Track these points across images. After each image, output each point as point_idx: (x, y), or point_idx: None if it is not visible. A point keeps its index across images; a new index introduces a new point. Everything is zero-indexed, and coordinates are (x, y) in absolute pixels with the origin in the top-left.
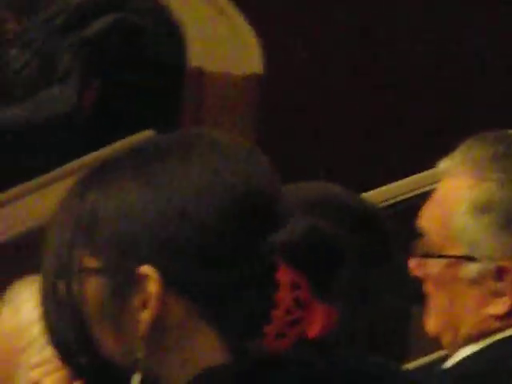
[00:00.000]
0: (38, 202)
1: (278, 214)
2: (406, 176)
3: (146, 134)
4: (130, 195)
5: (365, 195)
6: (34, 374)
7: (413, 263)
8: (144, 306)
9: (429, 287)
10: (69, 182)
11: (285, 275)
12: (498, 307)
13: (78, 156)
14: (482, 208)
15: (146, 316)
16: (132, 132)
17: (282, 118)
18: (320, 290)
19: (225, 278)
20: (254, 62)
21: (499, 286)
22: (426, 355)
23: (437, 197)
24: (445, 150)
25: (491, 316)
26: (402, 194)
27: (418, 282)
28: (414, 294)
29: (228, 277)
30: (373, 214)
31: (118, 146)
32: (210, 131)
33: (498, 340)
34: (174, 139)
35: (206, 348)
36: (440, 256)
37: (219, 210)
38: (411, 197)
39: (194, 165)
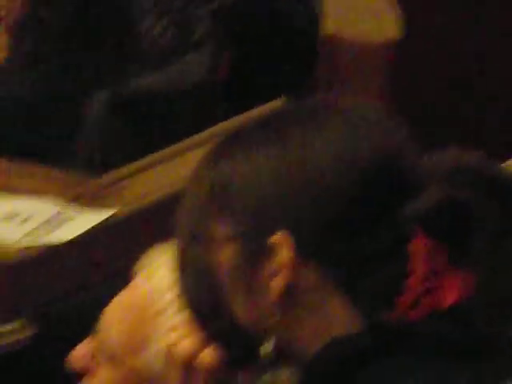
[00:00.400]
0: (172, 170)
1: (413, 181)
2: None
3: (280, 102)
4: (263, 163)
5: (503, 165)
6: (169, 338)
7: None
8: (277, 272)
9: None
10: (203, 151)
11: (420, 244)
12: None
13: (212, 125)
14: None
15: (278, 283)
16: (265, 100)
17: (418, 84)
18: (456, 257)
19: (359, 246)
20: (390, 27)
21: None
22: None
23: None
24: None
25: None
26: None
27: None
28: None
29: (362, 245)
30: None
31: (252, 114)
32: (345, 98)
33: None
34: (307, 107)
35: (339, 317)
36: None
37: (354, 178)
38: None
39: (327, 132)
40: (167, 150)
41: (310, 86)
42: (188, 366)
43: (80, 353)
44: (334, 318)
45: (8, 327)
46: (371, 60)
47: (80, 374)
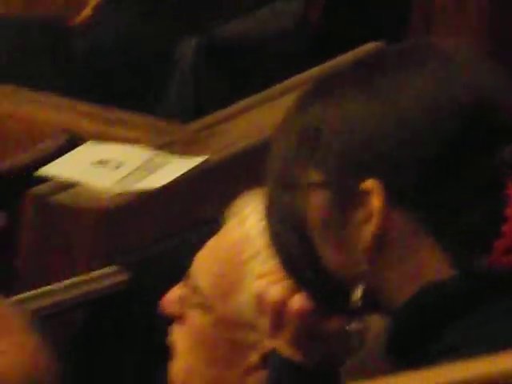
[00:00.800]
0: (263, 116)
1: (509, 127)
2: None
3: (373, 45)
4: (354, 108)
5: None
6: (259, 285)
7: None
8: (367, 219)
9: None
10: (293, 97)
11: None
12: None
13: (304, 69)
14: None
15: (369, 230)
16: (358, 44)
17: None
18: None
19: (450, 191)
20: None
21: None
22: None
23: None
24: None
25: None
26: None
27: None
28: None
29: (454, 190)
30: None
31: (344, 58)
32: (440, 41)
33: None
34: (400, 50)
35: (431, 262)
36: None
37: (449, 120)
38: None
39: (422, 74)
40: (258, 96)
41: (405, 30)
42: (278, 312)
43: (171, 298)
44: (424, 265)
45: (101, 272)
46: (466, 2)
47: (172, 319)
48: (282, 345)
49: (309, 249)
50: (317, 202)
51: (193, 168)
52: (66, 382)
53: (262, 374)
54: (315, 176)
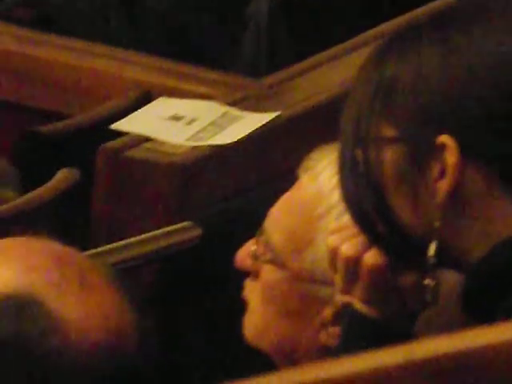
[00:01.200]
0: (337, 71)
1: None
2: None
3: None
4: (429, 63)
5: None
6: (332, 240)
7: None
8: (442, 175)
9: None
10: (367, 51)
11: None
12: None
13: (377, 24)
14: None
15: (443, 186)
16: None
17: None
18: None
19: None
20: None
21: None
22: None
23: None
24: None
25: None
26: None
27: None
28: None
29: None
30: None
31: (418, 12)
32: None
33: None
34: (476, 4)
35: (506, 219)
36: None
37: None
38: None
39: (496, 31)
40: (330, 51)
41: None
42: (351, 268)
43: (244, 254)
44: (499, 222)
45: (174, 227)
46: None
47: (245, 274)
48: (355, 300)
49: (382, 204)
50: (390, 157)
51: (266, 123)
52: (146, 336)
53: (336, 330)
54: (389, 131)
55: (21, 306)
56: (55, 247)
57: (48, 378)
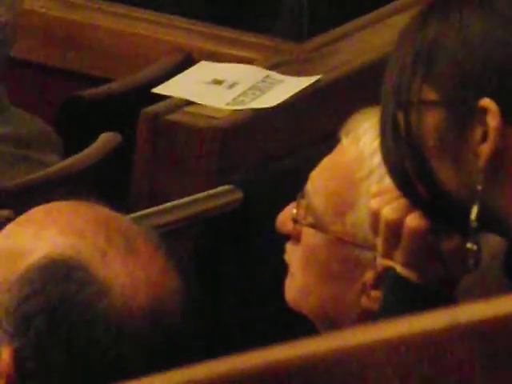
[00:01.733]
0: (378, 35)
1: None
2: None
3: None
4: (472, 25)
5: None
6: (374, 203)
7: None
8: (483, 139)
9: None
10: (408, 15)
11: None
12: None
13: None
14: None
15: (485, 149)
16: None
17: None
18: None
19: None
20: None
21: None
22: None
23: None
24: None
25: None
26: None
27: None
28: None
29: None
30: None
31: None
32: None
33: None
34: None
35: None
36: None
37: None
38: None
39: None
40: (371, 15)
41: None
42: (393, 231)
43: (286, 217)
44: None
45: (216, 191)
46: None
47: (287, 237)
48: (397, 264)
49: (424, 167)
50: (432, 121)
51: (306, 87)
52: (189, 302)
53: (377, 294)
54: (431, 94)
55: (67, 270)
56: (101, 212)
57: (94, 341)
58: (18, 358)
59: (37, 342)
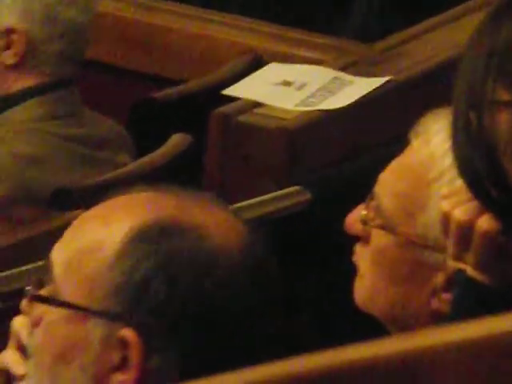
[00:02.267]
0: (448, 36)
1: None
2: None
3: None
4: None
5: None
6: (445, 205)
7: None
8: None
9: None
10: (479, 16)
11: None
12: None
13: None
14: None
15: None
16: None
17: None
18: None
19: None
20: None
21: None
22: None
23: None
24: None
25: None
26: None
27: None
28: None
29: None
30: None
31: None
32: None
33: None
34: None
35: None
36: None
37: None
38: None
39: None
40: (441, 16)
41: None
42: (464, 233)
43: (355, 218)
44: None
45: (284, 192)
46: None
47: (355, 239)
48: (468, 267)
49: (496, 168)
50: (505, 121)
51: (376, 88)
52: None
53: (447, 296)
54: (504, 95)
55: (160, 229)
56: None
57: (217, 285)
58: (142, 334)
59: (157, 304)
